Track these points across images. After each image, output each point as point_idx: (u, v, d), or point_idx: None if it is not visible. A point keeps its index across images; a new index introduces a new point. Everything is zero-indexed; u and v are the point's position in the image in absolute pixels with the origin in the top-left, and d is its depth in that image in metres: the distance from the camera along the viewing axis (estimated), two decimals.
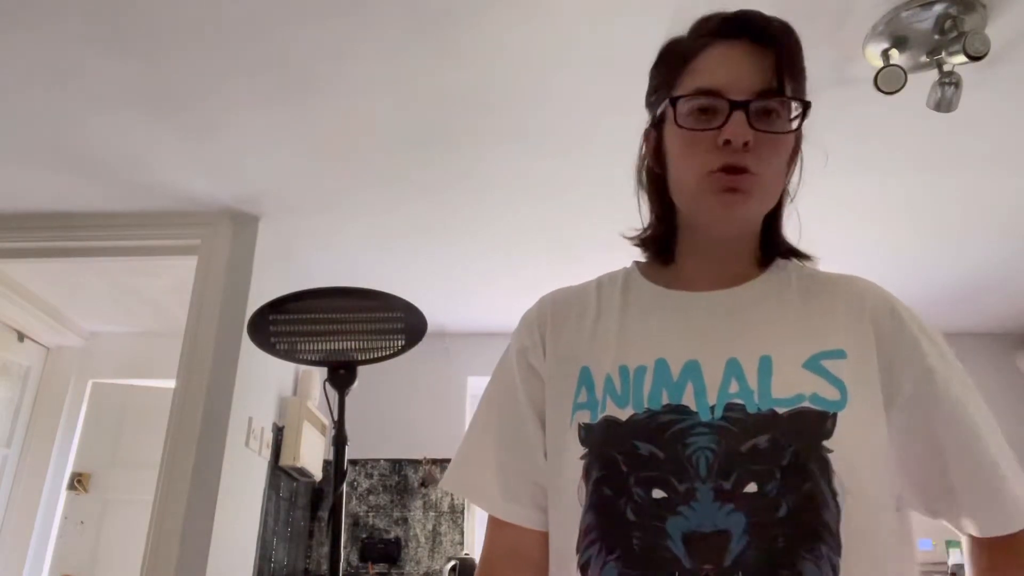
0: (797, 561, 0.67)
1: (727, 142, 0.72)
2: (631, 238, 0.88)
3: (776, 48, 0.75)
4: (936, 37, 1.83)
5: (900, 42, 1.86)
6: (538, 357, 0.85)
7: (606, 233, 1.38)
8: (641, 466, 0.73)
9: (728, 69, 0.75)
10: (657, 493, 0.71)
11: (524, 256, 3.05)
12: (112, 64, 2.01)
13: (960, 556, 3.07)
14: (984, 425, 0.74)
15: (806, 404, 0.72)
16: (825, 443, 0.70)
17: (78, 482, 3.55)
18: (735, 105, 0.73)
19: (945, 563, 3.14)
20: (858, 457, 0.71)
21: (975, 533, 0.75)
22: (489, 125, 2.26)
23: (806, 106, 0.75)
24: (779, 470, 0.69)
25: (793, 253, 0.86)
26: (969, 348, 3.70)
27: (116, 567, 3.40)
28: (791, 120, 0.75)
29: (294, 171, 2.53)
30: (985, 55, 1.75)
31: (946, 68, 1.88)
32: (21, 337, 3.69)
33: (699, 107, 0.75)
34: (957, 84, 1.87)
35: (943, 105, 1.89)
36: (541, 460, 0.83)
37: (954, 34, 1.79)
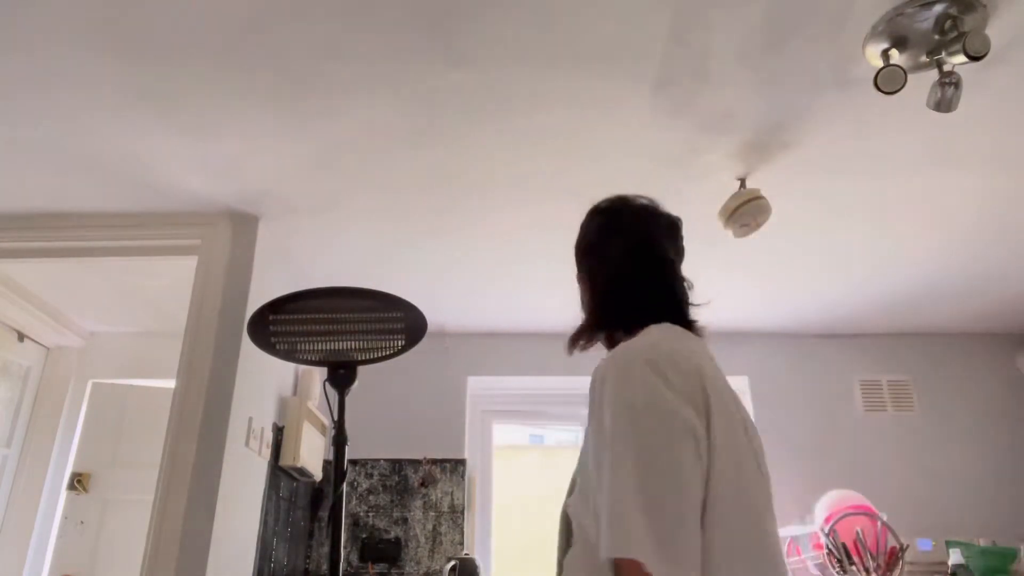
0: None
1: None
2: None
3: None
4: (936, 37, 1.83)
5: (900, 42, 1.86)
6: None
7: None
8: None
9: None
10: None
11: (524, 256, 3.05)
12: (112, 64, 2.01)
13: (960, 556, 3.05)
14: (604, 473, 0.97)
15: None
16: (567, 500, 1.07)
17: (78, 482, 3.55)
18: None
19: (945, 563, 3.13)
20: (581, 511, 1.01)
21: None
22: (489, 125, 2.26)
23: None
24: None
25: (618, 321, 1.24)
26: (969, 348, 3.70)
27: (116, 567, 3.40)
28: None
29: (294, 171, 2.53)
30: (985, 55, 1.75)
31: (946, 68, 1.88)
32: (21, 337, 3.69)
33: None
34: (957, 84, 1.87)
35: (943, 105, 1.89)
36: None
37: (954, 34, 1.79)
